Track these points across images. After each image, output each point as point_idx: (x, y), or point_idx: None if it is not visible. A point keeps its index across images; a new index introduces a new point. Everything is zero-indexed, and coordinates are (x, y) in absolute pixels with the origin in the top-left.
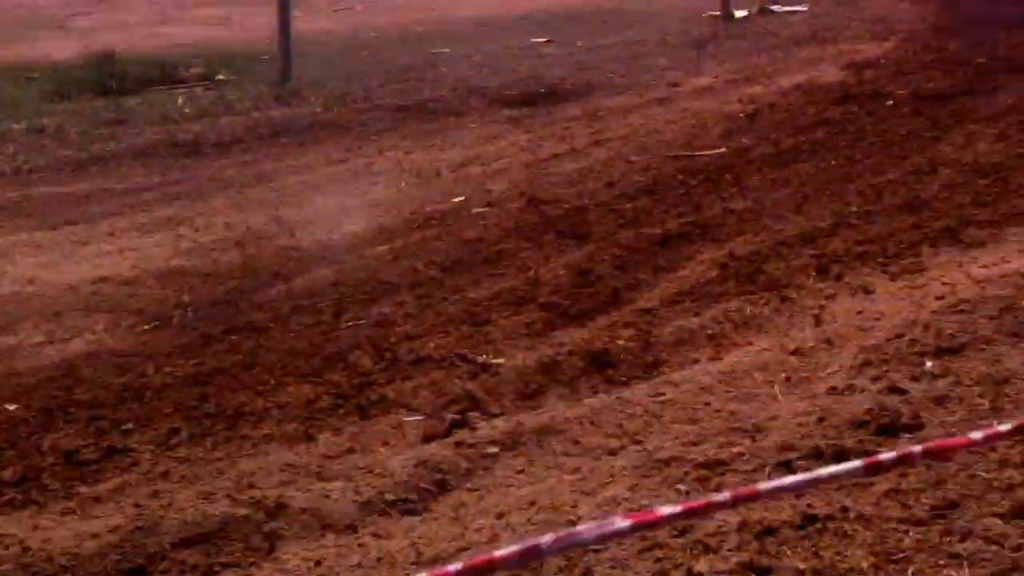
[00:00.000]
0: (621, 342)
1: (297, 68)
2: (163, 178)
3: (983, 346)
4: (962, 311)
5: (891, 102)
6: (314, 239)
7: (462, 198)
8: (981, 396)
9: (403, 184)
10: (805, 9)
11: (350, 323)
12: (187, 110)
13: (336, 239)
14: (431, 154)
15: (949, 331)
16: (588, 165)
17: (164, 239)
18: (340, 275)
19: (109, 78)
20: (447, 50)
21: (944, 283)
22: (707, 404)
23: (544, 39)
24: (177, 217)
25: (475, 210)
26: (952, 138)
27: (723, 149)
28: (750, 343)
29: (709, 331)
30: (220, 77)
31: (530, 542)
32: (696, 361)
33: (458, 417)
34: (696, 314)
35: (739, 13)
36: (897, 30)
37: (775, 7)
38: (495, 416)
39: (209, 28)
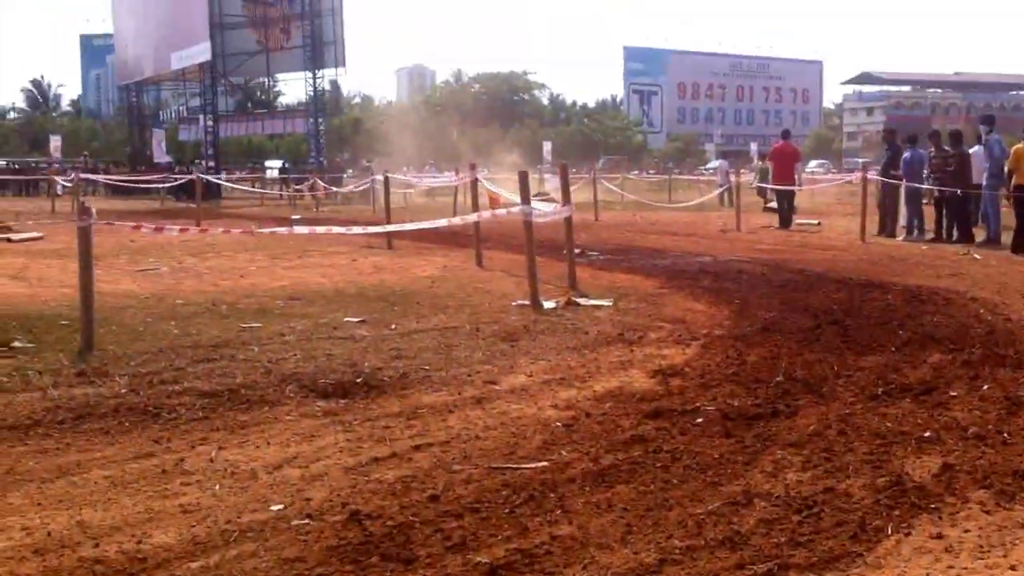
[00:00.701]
0: None
1: (100, 337)
2: None
3: None
4: None
5: (701, 419)
6: (121, 550)
7: (281, 507)
8: None
9: (217, 487)
10: (610, 304)
11: None
12: None
13: (146, 551)
14: (246, 451)
15: None
16: (411, 473)
17: None
18: None
19: None
20: (259, 325)
21: None
22: None
23: (358, 319)
24: None
25: (295, 522)
26: (762, 464)
27: (544, 463)
28: None
29: None
30: (17, 344)
31: None
32: None
33: None
34: None
35: (548, 304)
36: (697, 335)
37: (582, 300)
38: None
39: (3, 283)
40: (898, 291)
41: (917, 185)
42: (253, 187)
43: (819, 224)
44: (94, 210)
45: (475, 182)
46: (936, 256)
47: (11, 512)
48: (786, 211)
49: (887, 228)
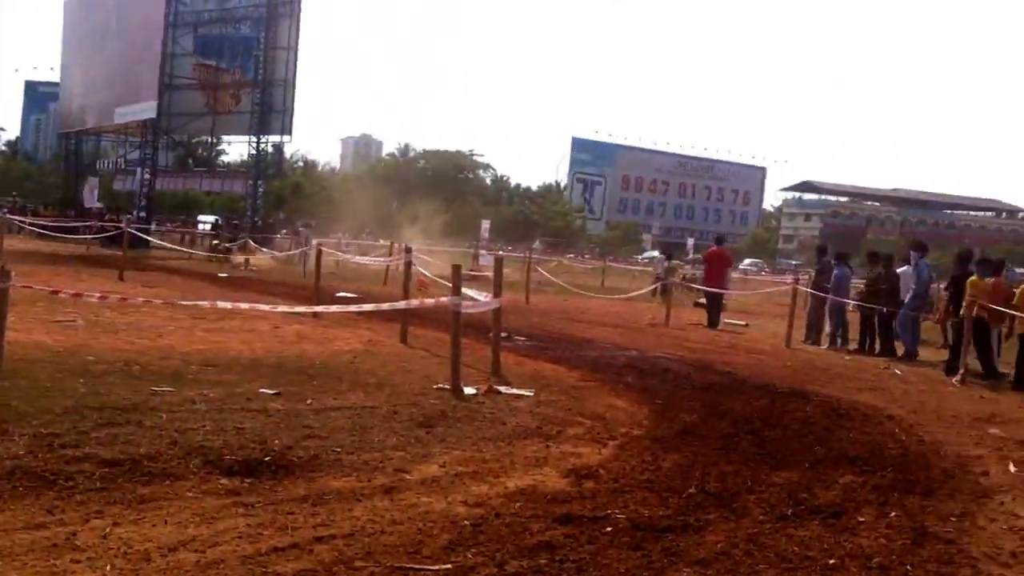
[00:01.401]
0: None
1: (5, 391)
2: None
3: None
4: None
5: (610, 528)
6: None
7: None
8: None
9: (108, 568)
10: (531, 395)
11: None
12: None
13: None
14: (142, 530)
15: None
16: (310, 567)
17: None
18: None
19: None
20: (170, 389)
21: None
22: None
23: (273, 391)
24: None
25: None
26: None
27: (448, 565)
28: None
29: None
30: None
31: None
32: None
33: None
34: None
35: (468, 390)
36: (615, 434)
37: (503, 388)
38: None
39: None
40: (817, 403)
41: (843, 300)
42: (183, 240)
43: (747, 325)
44: (12, 274)
45: (408, 264)
46: (858, 368)
47: None
48: (715, 313)
49: (811, 336)
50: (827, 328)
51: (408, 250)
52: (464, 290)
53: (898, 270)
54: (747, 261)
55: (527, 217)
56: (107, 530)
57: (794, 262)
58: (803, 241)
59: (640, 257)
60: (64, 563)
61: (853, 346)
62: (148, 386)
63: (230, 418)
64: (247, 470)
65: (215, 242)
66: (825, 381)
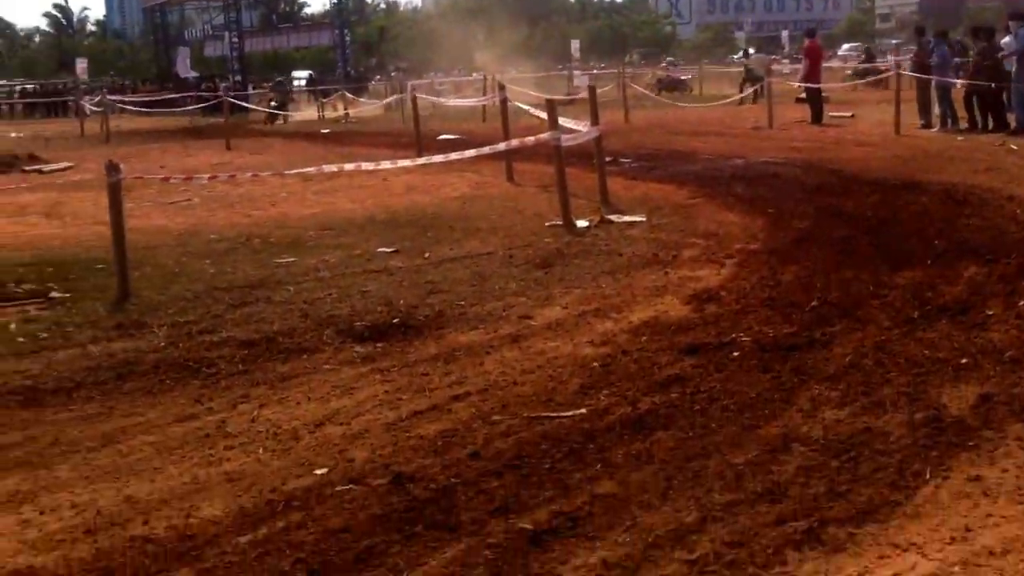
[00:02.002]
0: None
1: (136, 281)
2: (3, 438)
3: None
4: None
5: (737, 353)
6: (171, 526)
7: (324, 471)
8: None
9: (260, 451)
10: (643, 220)
11: None
12: (21, 339)
13: (194, 526)
14: (287, 409)
15: None
16: (451, 427)
17: (8, 525)
18: None
19: None
20: (293, 259)
21: None
22: None
23: (391, 248)
24: (20, 493)
25: (339, 488)
26: (799, 401)
27: (583, 410)
28: None
29: None
30: (54, 294)
31: None
32: None
33: None
34: None
35: (581, 223)
36: (731, 252)
37: (614, 217)
38: None
39: (37, 222)
40: (933, 192)
41: (948, 80)
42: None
43: (852, 116)
44: (118, 165)
45: (504, 102)
46: (972, 148)
47: (60, 487)
48: (818, 107)
49: (924, 118)
50: (936, 110)
51: (501, 87)
52: (562, 121)
53: (1001, 41)
54: (845, 47)
55: (615, 30)
56: (255, 413)
57: (894, 41)
58: (901, 19)
59: (735, 58)
60: (219, 451)
61: (964, 125)
62: (271, 259)
63: (353, 282)
64: (378, 335)
65: (271, 103)
66: (939, 167)
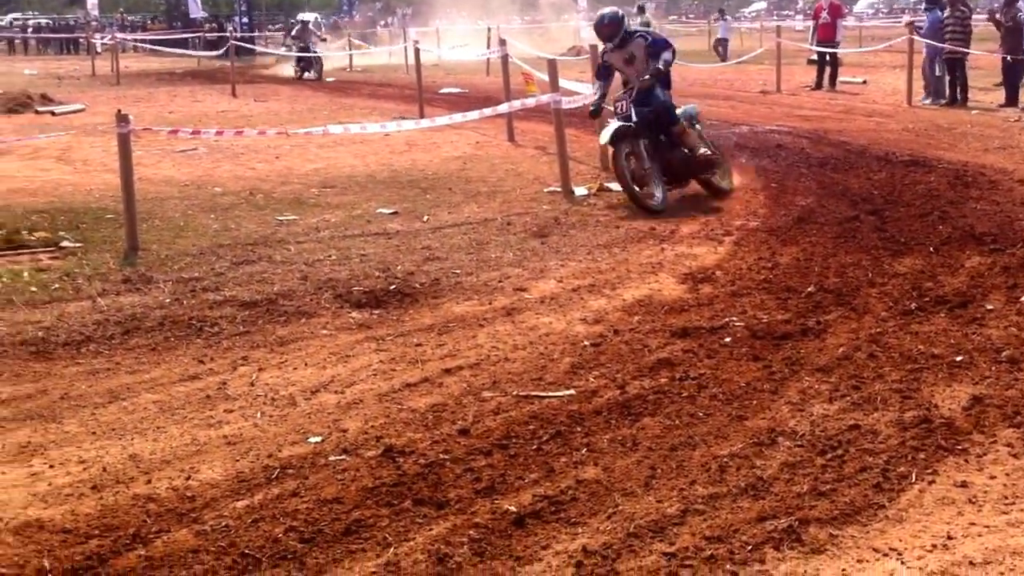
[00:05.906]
0: None
1: (144, 233)
2: (14, 389)
3: None
4: None
5: (729, 338)
6: (172, 487)
7: (319, 439)
8: None
9: (258, 416)
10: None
11: None
12: (33, 289)
13: (194, 488)
14: (285, 374)
15: None
16: (442, 401)
17: (20, 477)
18: (201, 540)
19: None
20: (294, 217)
21: None
22: None
23: (390, 210)
24: (31, 445)
25: (332, 458)
26: (788, 393)
27: (571, 391)
28: None
29: None
30: (66, 244)
31: None
32: None
33: None
34: None
35: (579, 191)
36: (730, 229)
37: (613, 185)
38: None
39: (50, 167)
40: (941, 171)
41: (937, 45)
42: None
43: (864, 82)
44: (127, 116)
45: (506, 59)
46: (985, 124)
47: (68, 442)
48: (832, 69)
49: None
50: (936, 81)
51: (502, 42)
52: (562, 83)
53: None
54: (864, 3)
55: None
56: (254, 376)
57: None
58: None
59: (748, 12)
60: (219, 413)
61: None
62: (273, 215)
63: (353, 244)
64: (375, 301)
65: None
66: (949, 143)
